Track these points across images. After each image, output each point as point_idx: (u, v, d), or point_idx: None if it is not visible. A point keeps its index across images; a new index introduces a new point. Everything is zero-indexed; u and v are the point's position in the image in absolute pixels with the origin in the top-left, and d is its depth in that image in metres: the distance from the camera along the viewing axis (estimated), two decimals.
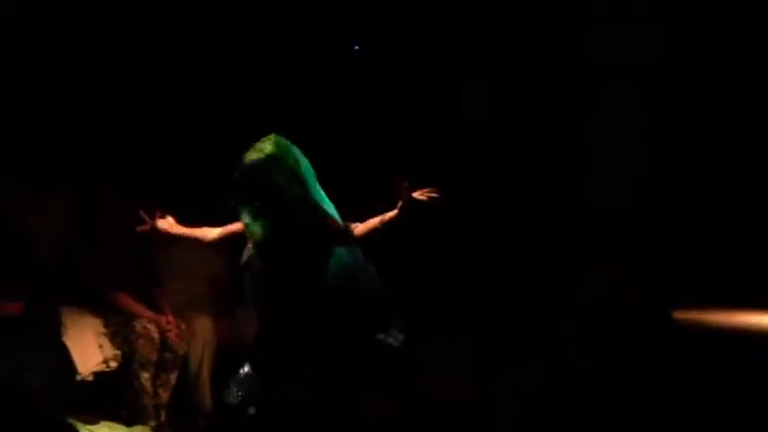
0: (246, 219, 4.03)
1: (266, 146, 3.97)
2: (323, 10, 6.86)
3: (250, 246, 4.12)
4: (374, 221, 4.07)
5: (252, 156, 3.97)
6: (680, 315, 5.82)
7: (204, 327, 5.91)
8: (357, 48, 6.38)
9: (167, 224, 4.56)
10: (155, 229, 4.57)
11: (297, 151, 4.03)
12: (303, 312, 4.04)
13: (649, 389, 5.50)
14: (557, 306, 6.17)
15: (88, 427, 5.44)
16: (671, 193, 6.42)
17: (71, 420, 5.30)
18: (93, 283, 5.72)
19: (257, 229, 4.00)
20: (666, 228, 6.35)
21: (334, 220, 4.06)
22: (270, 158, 3.94)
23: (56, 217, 5.86)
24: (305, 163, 4.03)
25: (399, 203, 3.96)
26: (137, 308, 5.75)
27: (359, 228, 4.09)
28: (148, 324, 5.70)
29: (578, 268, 6.42)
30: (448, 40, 6.95)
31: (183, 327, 5.81)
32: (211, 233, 4.41)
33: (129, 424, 5.61)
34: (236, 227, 4.27)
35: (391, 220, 4.02)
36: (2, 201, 5.76)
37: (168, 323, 5.74)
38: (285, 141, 4.01)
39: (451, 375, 6.00)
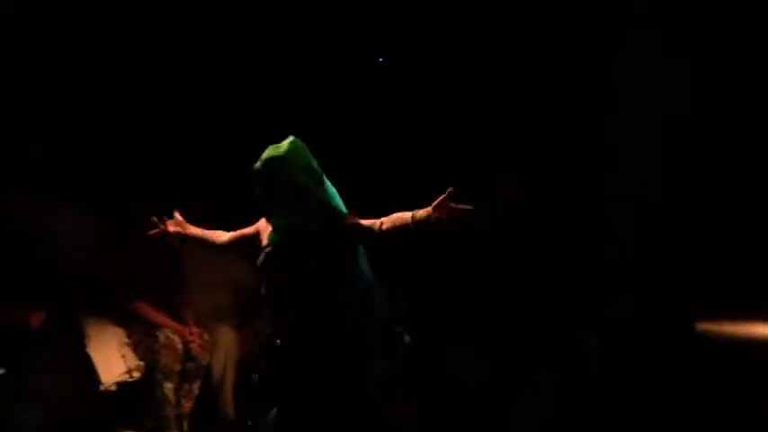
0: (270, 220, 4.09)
1: (283, 144, 4.02)
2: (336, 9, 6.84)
3: (268, 249, 4.11)
4: (404, 217, 3.90)
5: (269, 153, 4.02)
6: (702, 326, 5.83)
7: (227, 337, 5.94)
8: (381, 60, 6.37)
9: (179, 225, 4.52)
10: (167, 233, 4.54)
11: (309, 152, 4.06)
12: (316, 320, 4.03)
13: (671, 400, 5.52)
14: (581, 317, 6.17)
15: None
16: (693, 202, 6.39)
17: None
18: (118, 292, 5.72)
19: (275, 235, 4.04)
20: (690, 237, 6.33)
21: (352, 219, 4.02)
22: (286, 154, 3.98)
23: (83, 228, 5.86)
24: (315, 163, 4.06)
25: (437, 205, 3.83)
26: (160, 318, 5.76)
27: (384, 224, 3.95)
28: (172, 334, 5.72)
29: (606, 280, 6.41)
30: (466, 42, 6.93)
31: (206, 337, 5.82)
32: (222, 237, 4.39)
33: None
34: (248, 231, 4.27)
35: (426, 221, 3.84)
36: (28, 213, 5.74)
37: (191, 333, 5.77)
38: (300, 141, 4.06)
39: (467, 381, 6.02)
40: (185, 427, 5.70)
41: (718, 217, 6.36)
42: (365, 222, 4.00)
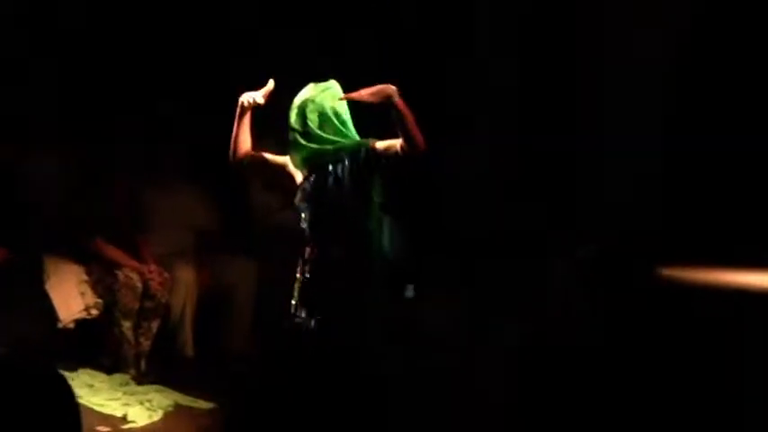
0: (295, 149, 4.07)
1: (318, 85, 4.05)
2: None
3: (304, 185, 4.07)
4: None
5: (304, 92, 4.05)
6: (667, 272, 5.74)
7: (186, 275, 5.90)
8: None
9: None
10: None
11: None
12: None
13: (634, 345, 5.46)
14: (551, 260, 6.08)
15: (68, 374, 5.45)
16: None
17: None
18: (78, 230, 5.68)
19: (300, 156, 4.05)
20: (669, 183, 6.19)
21: (375, 141, 3.99)
22: (315, 95, 4.02)
23: (46, 167, 5.81)
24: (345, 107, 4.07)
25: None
26: (119, 256, 5.74)
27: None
28: (131, 273, 5.70)
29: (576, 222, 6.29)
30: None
31: (165, 275, 5.79)
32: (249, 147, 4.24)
33: (109, 372, 5.63)
34: (277, 158, 4.22)
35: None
36: None
37: (151, 272, 5.74)
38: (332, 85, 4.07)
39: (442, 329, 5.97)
40: (143, 365, 5.68)
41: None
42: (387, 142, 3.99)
